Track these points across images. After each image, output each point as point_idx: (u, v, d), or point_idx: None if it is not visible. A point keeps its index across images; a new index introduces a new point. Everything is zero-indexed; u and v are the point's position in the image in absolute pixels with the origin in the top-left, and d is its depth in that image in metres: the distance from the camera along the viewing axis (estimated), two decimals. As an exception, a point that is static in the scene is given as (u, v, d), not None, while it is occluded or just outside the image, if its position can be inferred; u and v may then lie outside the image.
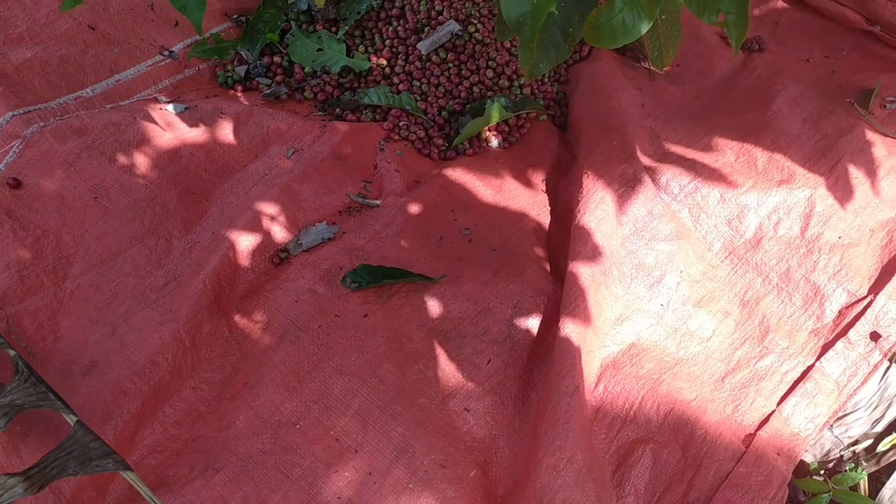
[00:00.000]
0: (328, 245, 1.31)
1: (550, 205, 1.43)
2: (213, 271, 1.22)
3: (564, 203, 1.42)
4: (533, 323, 1.20)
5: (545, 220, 1.39)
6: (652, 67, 1.68)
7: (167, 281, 1.25)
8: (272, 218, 1.31)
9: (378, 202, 1.39)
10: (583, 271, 1.22)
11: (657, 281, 1.26)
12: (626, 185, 1.34)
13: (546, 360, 1.17)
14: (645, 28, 1.10)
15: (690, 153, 1.44)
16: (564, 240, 1.35)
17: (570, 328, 1.15)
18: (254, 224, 1.29)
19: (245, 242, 1.26)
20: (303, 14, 1.70)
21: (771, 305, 1.29)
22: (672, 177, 1.38)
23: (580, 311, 1.19)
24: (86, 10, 1.52)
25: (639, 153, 1.40)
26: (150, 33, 1.56)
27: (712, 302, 1.28)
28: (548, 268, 1.30)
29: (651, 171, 1.39)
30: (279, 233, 1.31)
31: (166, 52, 1.56)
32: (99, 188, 1.33)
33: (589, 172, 1.37)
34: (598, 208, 1.31)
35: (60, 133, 1.36)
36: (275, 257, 1.29)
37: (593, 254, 1.26)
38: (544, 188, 1.47)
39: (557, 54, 1.20)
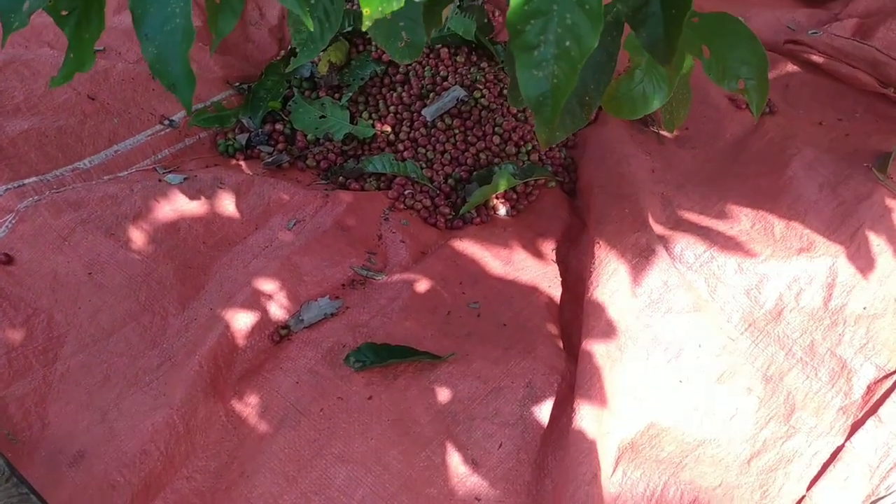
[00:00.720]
0: (331, 321, 1.26)
1: (562, 275, 1.38)
2: (210, 351, 1.16)
3: (576, 274, 1.37)
4: (546, 404, 1.14)
5: (556, 292, 1.34)
6: (661, 131, 1.64)
7: (161, 361, 1.19)
8: (272, 293, 1.26)
9: (383, 275, 1.34)
10: (597, 349, 1.17)
11: (675, 356, 1.21)
12: (639, 255, 1.29)
13: (561, 444, 1.10)
14: (664, 97, 1.07)
15: (704, 220, 1.39)
16: (577, 314, 1.29)
17: (585, 410, 1.09)
18: (253, 300, 1.24)
19: (244, 319, 1.21)
20: (306, 81, 1.67)
21: (796, 381, 1.22)
22: (686, 246, 1.33)
23: (596, 392, 1.12)
24: (86, 80, 1.50)
25: (651, 221, 1.36)
26: (150, 102, 1.53)
27: (734, 377, 1.22)
28: (561, 344, 1.24)
29: (665, 240, 1.34)
30: (280, 308, 1.25)
31: (167, 122, 1.53)
32: (94, 263, 1.28)
33: (601, 242, 1.33)
34: (611, 280, 1.25)
35: (55, 207, 1.32)
36: (275, 334, 1.23)
37: (608, 329, 1.20)
38: (555, 258, 1.42)
39: (574, 122, 1.16)
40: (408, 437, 1.10)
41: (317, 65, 1.66)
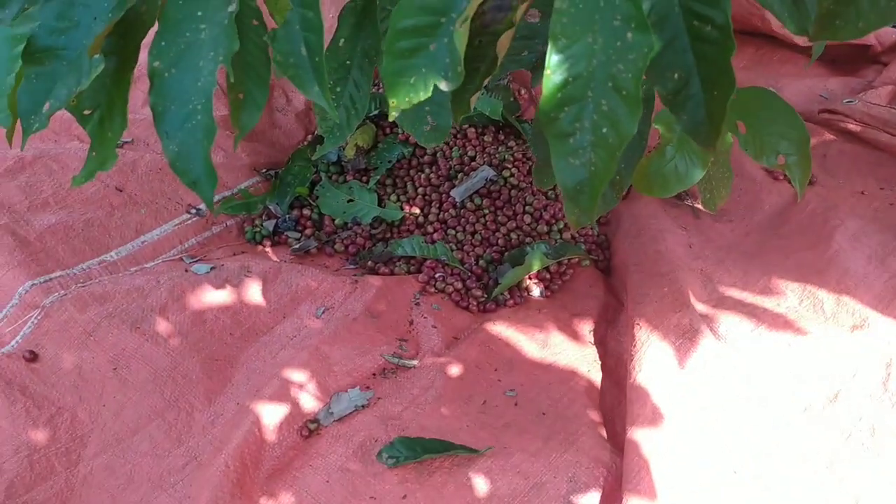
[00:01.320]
0: (362, 413, 1.21)
1: (601, 358, 1.32)
2: (237, 449, 1.11)
3: (616, 356, 1.31)
4: (592, 500, 1.07)
5: (596, 376, 1.28)
6: (696, 205, 1.60)
7: (187, 461, 1.15)
8: (301, 384, 1.22)
9: (415, 362, 1.29)
10: (643, 438, 1.10)
11: (727, 444, 1.13)
12: (682, 336, 1.24)
13: (609, 545, 1.03)
14: (699, 175, 1.04)
15: (748, 297, 1.34)
16: (619, 399, 1.23)
17: (634, 507, 1.02)
18: (281, 392, 1.20)
19: (272, 414, 1.17)
20: (333, 165, 1.66)
21: (858, 467, 1.14)
22: (732, 325, 1.27)
23: (644, 486, 1.06)
24: (114, 173, 1.50)
25: (693, 300, 1.30)
26: (177, 192, 1.53)
27: (792, 465, 1.14)
28: (604, 433, 1.18)
29: (708, 320, 1.28)
30: (309, 401, 1.21)
31: (193, 210, 1.52)
32: (119, 359, 1.25)
33: (640, 323, 1.27)
34: (654, 364, 1.19)
35: (81, 301, 1.30)
36: (304, 429, 1.18)
37: (653, 417, 1.13)
38: (592, 340, 1.36)
39: (605, 204, 1.13)
40: (445, 539, 1.03)
41: (344, 149, 1.66)
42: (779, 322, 1.26)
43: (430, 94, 0.72)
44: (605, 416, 1.21)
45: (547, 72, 0.66)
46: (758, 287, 1.35)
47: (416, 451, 1.12)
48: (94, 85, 0.86)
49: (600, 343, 1.36)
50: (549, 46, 0.66)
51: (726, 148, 1.11)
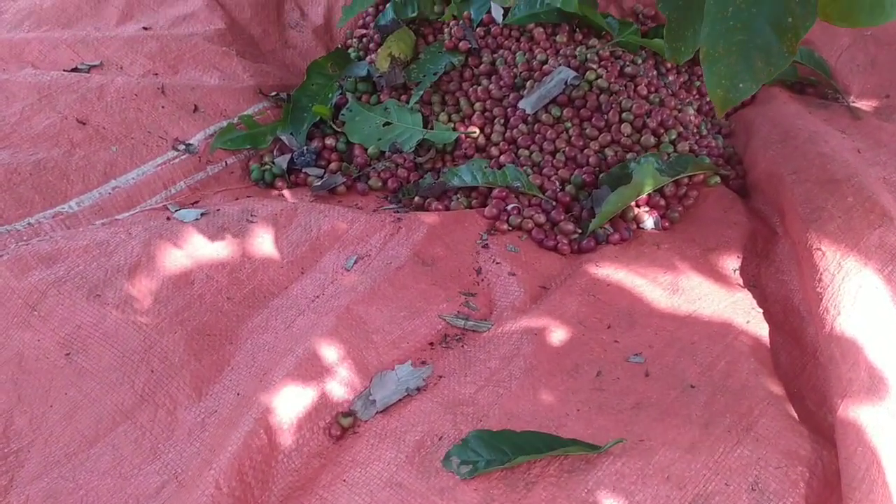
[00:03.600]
0: (417, 399, 0.81)
1: (760, 305, 0.91)
2: (235, 461, 0.73)
3: (782, 301, 0.90)
4: (793, 518, 0.67)
5: (761, 329, 0.87)
6: (854, 103, 1.18)
7: (164, 481, 0.77)
8: (328, 363, 0.84)
9: (489, 324, 0.90)
10: (865, 417, 0.69)
11: None
12: (892, 261, 0.82)
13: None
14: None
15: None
16: (803, 360, 0.82)
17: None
18: (300, 375, 0.82)
19: (286, 407, 0.78)
20: (361, 82, 1.28)
21: None
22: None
23: (878, 493, 0.65)
24: (74, 101, 1.13)
25: (894, 212, 0.88)
26: (159, 123, 1.16)
27: None
28: (792, 412, 0.76)
29: (919, 237, 0.86)
30: (340, 385, 0.82)
31: (182, 146, 1.15)
32: (72, 340, 0.88)
33: (822, 247, 0.85)
34: (859, 302, 0.78)
35: (22, 264, 0.94)
36: (334, 426, 0.80)
37: (872, 383, 0.72)
38: (741, 281, 0.95)
39: (768, 63, 0.74)
40: None
41: (374, 63, 1.27)
42: None
43: None
44: (786, 386, 0.80)
45: None
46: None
47: (504, 451, 0.72)
48: None
49: (753, 285, 0.95)
50: None
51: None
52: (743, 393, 0.77)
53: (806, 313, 0.86)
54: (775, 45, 0.73)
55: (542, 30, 1.30)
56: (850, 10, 0.69)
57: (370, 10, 1.38)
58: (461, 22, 1.31)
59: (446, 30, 1.32)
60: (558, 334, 0.86)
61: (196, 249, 0.97)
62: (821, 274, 0.83)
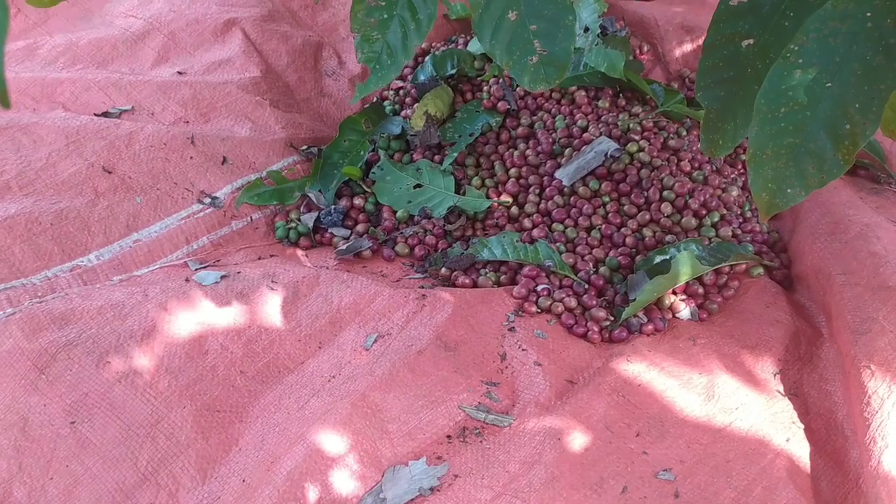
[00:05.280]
0: (429, 501, 0.77)
1: (801, 419, 0.85)
2: (233, 561, 0.70)
3: (825, 415, 0.84)
4: None
5: (802, 450, 0.81)
6: (912, 188, 1.12)
7: (159, 576, 0.74)
8: (339, 453, 0.80)
9: (511, 419, 0.85)
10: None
11: None
12: (949, 388, 0.76)
13: None
14: None
15: None
16: (843, 489, 0.76)
17: None
18: (310, 465, 0.78)
19: (294, 500, 0.75)
20: (395, 140, 1.24)
21: None
22: None
23: None
24: (102, 148, 1.11)
25: (951, 328, 0.83)
26: (186, 174, 1.13)
27: None
28: (832, 553, 0.71)
29: (982, 359, 0.80)
30: (349, 479, 0.78)
31: (207, 199, 1.12)
32: (79, 407, 0.85)
33: (872, 366, 0.80)
34: (910, 436, 0.72)
35: (34, 323, 0.91)
36: (341, 525, 0.76)
37: (923, 530, 0.66)
38: (781, 388, 0.90)
39: (821, 170, 0.69)
40: None
41: (410, 118, 1.24)
42: None
43: None
44: (827, 520, 0.74)
45: None
46: None
47: (519, 576, 0.68)
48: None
49: (794, 393, 0.89)
50: None
51: None
52: (780, 527, 0.72)
53: (850, 433, 0.80)
54: (830, 152, 0.68)
55: (584, 93, 1.27)
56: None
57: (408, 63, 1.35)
58: (501, 80, 1.28)
59: (486, 88, 1.28)
60: (583, 440, 0.81)
61: (213, 316, 0.94)
62: (869, 396, 0.77)
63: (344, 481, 0.78)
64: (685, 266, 0.98)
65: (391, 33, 0.72)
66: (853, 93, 0.67)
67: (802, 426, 0.84)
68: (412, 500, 0.78)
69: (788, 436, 0.82)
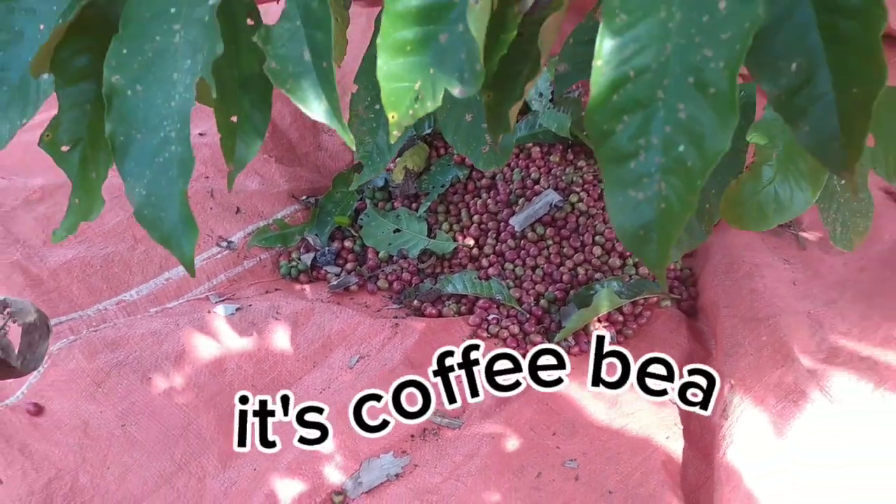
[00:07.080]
0: (394, 484, 1.03)
1: (683, 423, 1.10)
2: (247, 527, 0.95)
3: (702, 421, 1.09)
4: None
5: (676, 445, 1.06)
6: (802, 233, 1.36)
7: (192, 538, 0.99)
8: (328, 449, 1.05)
9: (461, 422, 1.11)
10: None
11: (845, 539, 0.90)
12: (785, 398, 1.01)
13: None
14: (806, 203, 0.82)
15: (867, 348, 1.09)
16: (706, 476, 1.01)
17: None
18: (304, 458, 1.03)
19: (291, 485, 1.00)
20: (379, 191, 1.50)
21: None
22: (846, 385, 1.03)
23: None
24: (139, 202, 1.37)
25: (797, 352, 1.07)
26: (207, 223, 1.39)
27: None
28: (687, 520, 0.96)
29: (817, 377, 1.05)
30: (335, 470, 1.04)
31: (224, 243, 1.38)
32: (128, 413, 1.11)
33: (732, 382, 1.05)
34: (749, 435, 0.97)
35: (91, 347, 1.17)
36: (328, 502, 1.01)
37: None
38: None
39: (691, 239, 0.93)
40: None
41: (392, 172, 1.49)
42: (908, 381, 1.02)
43: (438, 103, 0.54)
44: (687, 498, 0.99)
45: (597, 63, 0.47)
46: (878, 336, 1.11)
47: (455, 537, 0.93)
48: (72, 114, 0.70)
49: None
50: (602, 26, 0.46)
51: (864, 170, 0.88)
52: (650, 500, 0.97)
53: (713, 436, 1.05)
54: (697, 227, 0.92)
55: (538, 149, 1.51)
56: (740, 218, 0.88)
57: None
58: (469, 139, 1.53)
59: (456, 145, 1.53)
60: (511, 438, 1.06)
61: (230, 341, 1.20)
62: (727, 403, 1.02)
63: (331, 470, 1.04)
64: (605, 300, 1.22)
65: (379, 138, 0.93)
66: (712, 184, 0.90)
67: (682, 427, 1.09)
68: (382, 483, 1.03)
69: (668, 434, 1.07)
